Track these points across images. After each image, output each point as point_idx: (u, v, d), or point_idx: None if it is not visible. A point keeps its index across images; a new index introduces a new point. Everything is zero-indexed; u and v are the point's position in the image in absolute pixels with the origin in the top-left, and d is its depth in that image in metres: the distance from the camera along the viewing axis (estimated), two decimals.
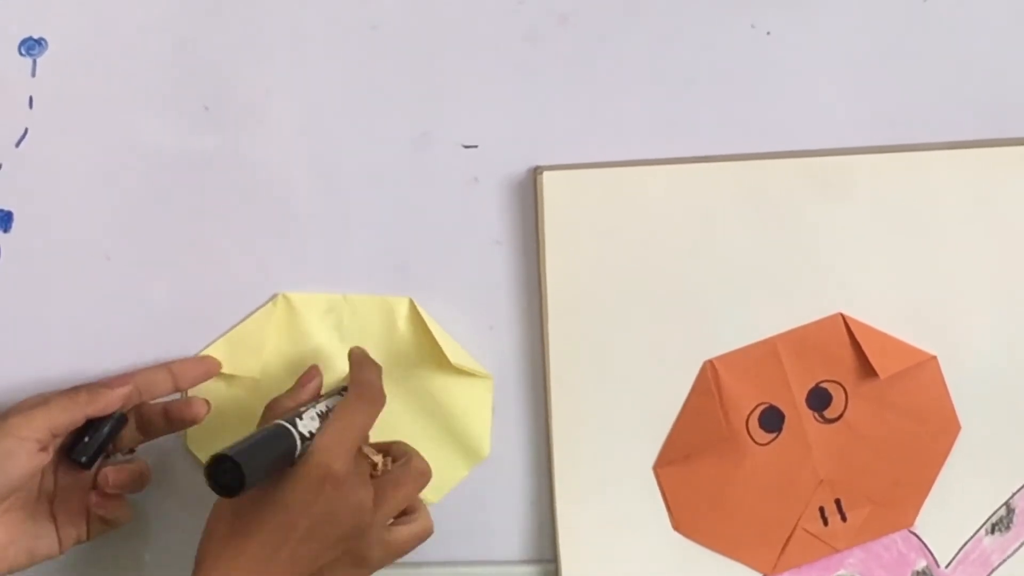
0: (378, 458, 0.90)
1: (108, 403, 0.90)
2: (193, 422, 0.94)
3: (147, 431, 0.94)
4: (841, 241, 0.95)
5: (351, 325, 0.96)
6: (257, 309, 0.96)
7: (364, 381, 0.90)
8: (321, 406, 0.89)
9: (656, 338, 0.96)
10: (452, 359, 0.95)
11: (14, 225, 0.93)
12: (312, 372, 0.95)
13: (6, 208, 0.93)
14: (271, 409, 0.92)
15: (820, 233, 0.95)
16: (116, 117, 0.92)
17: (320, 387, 0.94)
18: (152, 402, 0.94)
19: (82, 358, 0.95)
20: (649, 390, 0.97)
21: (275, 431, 0.84)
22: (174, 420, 0.93)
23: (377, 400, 0.90)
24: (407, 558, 0.96)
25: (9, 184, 0.93)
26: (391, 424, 0.94)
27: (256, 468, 0.81)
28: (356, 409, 0.88)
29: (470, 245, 0.95)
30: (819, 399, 0.98)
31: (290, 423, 0.85)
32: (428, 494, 0.98)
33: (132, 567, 0.99)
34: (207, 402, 0.94)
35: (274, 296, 0.95)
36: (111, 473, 0.92)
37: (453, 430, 0.98)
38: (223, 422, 0.95)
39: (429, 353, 0.96)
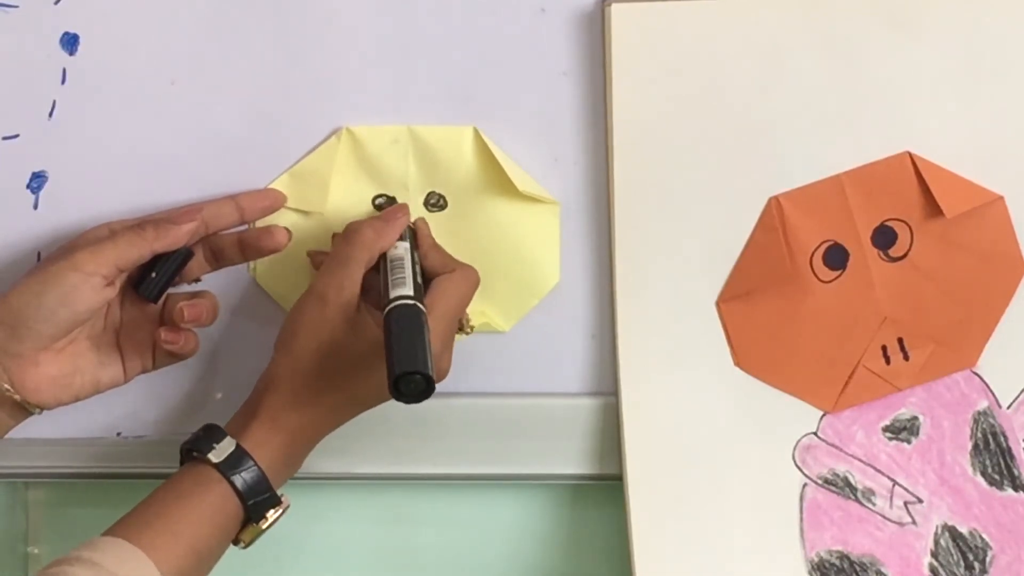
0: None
1: (175, 239, 0.90)
2: (274, 250, 0.93)
3: (217, 260, 0.94)
4: (910, 78, 0.94)
5: (417, 156, 0.95)
6: (321, 143, 0.95)
7: (468, 266, 0.93)
8: (405, 261, 0.90)
9: (721, 173, 0.95)
10: (519, 186, 0.95)
11: (80, 48, 0.93)
12: (403, 209, 0.95)
13: (73, 30, 0.92)
14: (355, 234, 0.91)
15: (889, 69, 0.94)
16: None
17: (406, 224, 0.94)
18: (224, 232, 0.94)
19: (146, 187, 0.95)
20: (713, 225, 0.96)
21: (423, 318, 0.85)
22: (250, 249, 0.93)
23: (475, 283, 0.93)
24: (468, 386, 0.98)
25: (78, 4, 0.92)
26: (461, 256, 0.94)
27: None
28: (465, 295, 0.92)
29: (536, 76, 0.94)
30: (884, 237, 0.97)
31: (421, 302, 0.86)
32: (500, 323, 0.99)
33: (204, 406, 1.01)
34: (288, 230, 0.94)
35: (337, 130, 0.95)
36: (186, 309, 0.92)
37: (522, 258, 0.97)
38: (289, 256, 0.95)
39: (495, 181, 0.96)
